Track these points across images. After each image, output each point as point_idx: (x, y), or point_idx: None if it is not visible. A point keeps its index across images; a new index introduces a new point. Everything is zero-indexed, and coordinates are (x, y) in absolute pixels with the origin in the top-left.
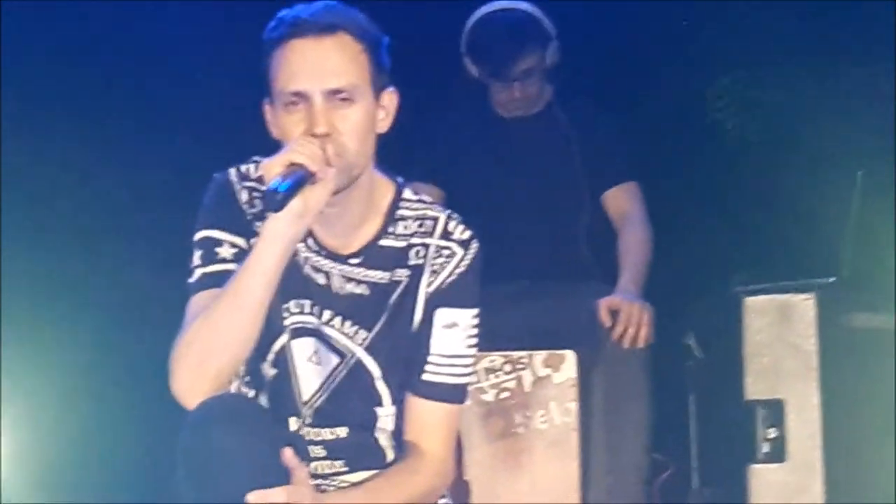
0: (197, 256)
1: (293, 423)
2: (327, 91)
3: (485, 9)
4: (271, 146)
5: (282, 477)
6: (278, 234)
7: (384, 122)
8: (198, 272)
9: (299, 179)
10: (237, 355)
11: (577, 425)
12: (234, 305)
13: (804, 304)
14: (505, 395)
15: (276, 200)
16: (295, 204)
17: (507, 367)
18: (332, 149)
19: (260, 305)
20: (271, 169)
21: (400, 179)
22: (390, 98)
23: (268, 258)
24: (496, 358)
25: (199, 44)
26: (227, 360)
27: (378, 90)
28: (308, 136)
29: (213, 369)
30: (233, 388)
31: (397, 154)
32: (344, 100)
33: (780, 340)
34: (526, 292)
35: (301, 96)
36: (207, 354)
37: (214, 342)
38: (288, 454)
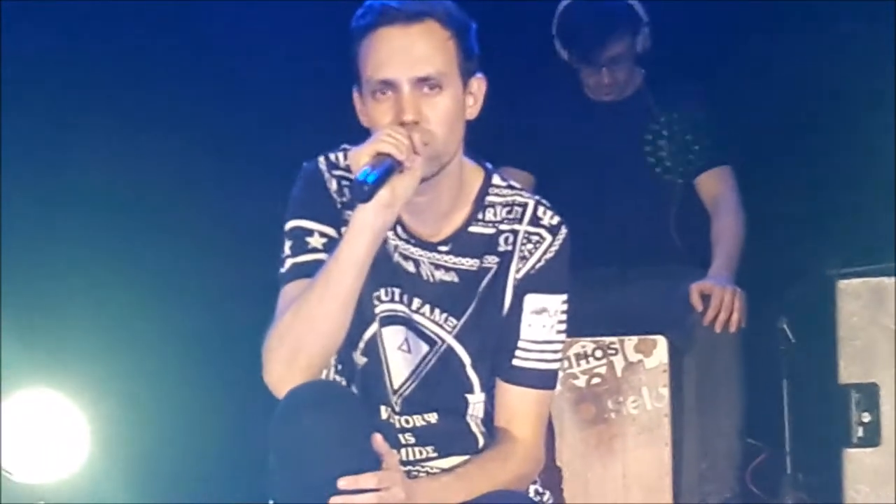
0: (287, 246)
1: (384, 412)
2: (415, 79)
3: None
4: (357, 134)
5: (373, 462)
6: (367, 224)
7: (473, 108)
8: (288, 262)
9: (387, 169)
10: (329, 345)
11: (669, 411)
12: (325, 296)
13: None
14: (596, 380)
15: (363, 191)
16: (383, 193)
17: (599, 353)
18: (420, 137)
19: (351, 295)
20: (359, 159)
21: (489, 165)
22: (479, 84)
23: (357, 248)
24: (587, 343)
25: (278, 32)
26: (318, 350)
27: (466, 77)
28: (395, 126)
29: (305, 360)
30: (324, 377)
31: (487, 139)
32: (432, 87)
33: (874, 324)
34: (617, 277)
35: (389, 84)
36: (299, 345)
37: (306, 333)
38: (378, 440)
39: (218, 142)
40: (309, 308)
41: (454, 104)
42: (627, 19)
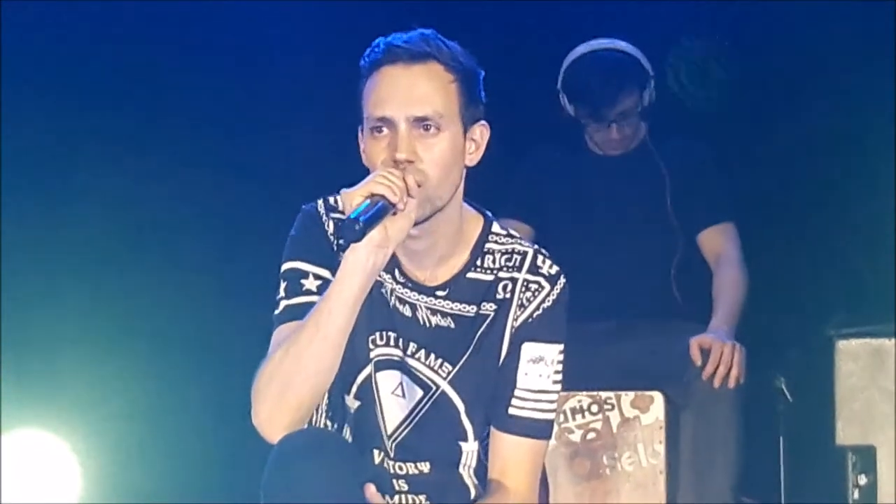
0: (282, 288)
1: (377, 456)
2: (412, 118)
3: (583, 48)
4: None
5: None
6: (359, 265)
7: (474, 155)
8: (282, 304)
9: (379, 210)
10: (318, 386)
11: (665, 467)
12: (315, 336)
13: None
14: (592, 435)
15: (353, 231)
16: (375, 234)
17: (595, 408)
18: (414, 178)
19: (341, 335)
20: (352, 199)
21: (489, 213)
22: (482, 132)
23: (349, 289)
24: (583, 398)
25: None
26: (308, 390)
27: (468, 122)
28: (389, 167)
29: (294, 400)
30: (315, 419)
31: (487, 189)
32: (428, 128)
33: (873, 385)
34: (615, 331)
35: (387, 122)
36: (288, 385)
37: (295, 373)
38: (371, 491)
39: (224, 182)
40: (298, 348)
41: (451, 147)
42: (636, 74)
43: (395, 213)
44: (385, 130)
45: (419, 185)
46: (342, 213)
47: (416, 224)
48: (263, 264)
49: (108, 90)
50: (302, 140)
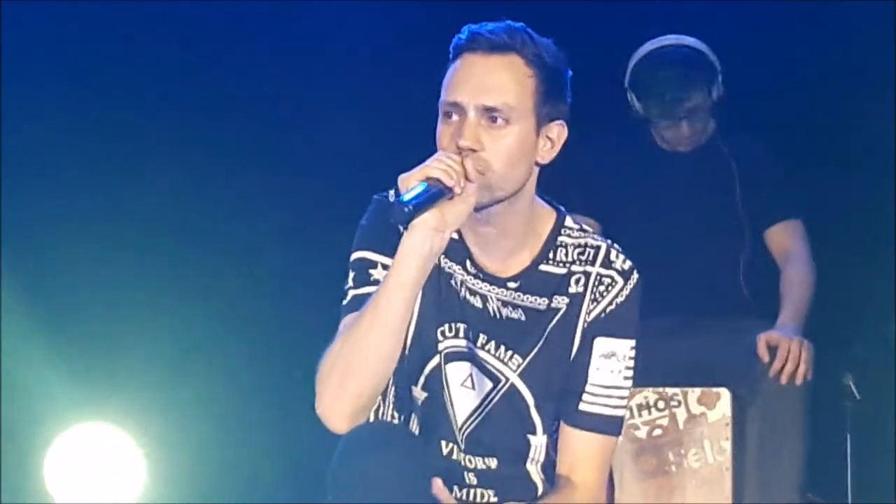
0: (350, 278)
1: (444, 447)
2: (482, 107)
3: (651, 45)
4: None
5: None
6: (415, 249)
7: (547, 152)
8: (350, 294)
9: (433, 194)
10: (379, 374)
11: (731, 465)
12: (374, 322)
13: None
14: (658, 432)
15: (402, 213)
16: (431, 218)
17: (661, 404)
18: (475, 164)
19: (400, 321)
20: (407, 182)
21: (562, 208)
22: (559, 131)
23: (405, 273)
24: (649, 394)
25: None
26: (368, 378)
27: (544, 119)
28: (448, 151)
29: (355, 388)
30: (382, 411)
31: (557, 186)
32: (496, 119)
33: None
34: (682, 327)
35: (457, 108)
36: (349, 373)
37: (355, 360)
38: (438, 485)
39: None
40: (358, 335)
41: (519, 142)
42: (705, 69)
43: (451, 198)
44: (455, 116)
45: (481, 173)
46: None
47: (478, 211)
48: (330, 257)
49: (107, 90)
50: (344, 133)
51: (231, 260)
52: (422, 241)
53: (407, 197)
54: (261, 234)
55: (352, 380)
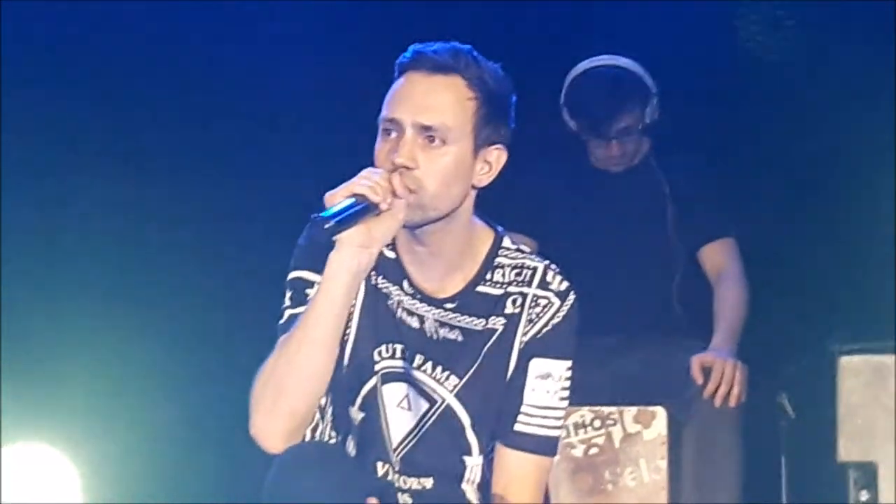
0: (287, 297)
1: (381, 469)
2: (419, 125)
3: (585, 64)
4: None
5: None
6: (343, 266)
7: (484, 176)
8: (286, 313)
9: (356, 210)
10: (312, 392)
11: (667, 483)
12: (304, 340)
13: None
14: (594, 450)
15: (322, 229)
16: (357, 234)
17: (597, 423)
18: (406, 182)
19: (330, 338)
20: (332, 199)
21: (500, 228)
22: (498, 155)
23: (334, 290)
24: (586, 413)
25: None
26: (301, 396)
27: (483, 142)
28: (377, 169)
29: (287, 407)
30: (319, 430)
31: (491, 204)
32: (433, 139)
33: (875, 402)
34: (617, 347)
35: (395, 125)
36: (281, 392)
37: (288, 379)
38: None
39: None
40: (289, 354)
41: (455, 162)
42: (637, 91)
43: (378, 214)
44: (393, 133)
45: (412, 191)
46: None
47: (412, 230)
48: (269, 271)
49: (105, 89)
50: (315, 142)
51: (172, 276)
52: (349, 257)
53: (328, 213)
54: (202, 250)
55: (284, 399)
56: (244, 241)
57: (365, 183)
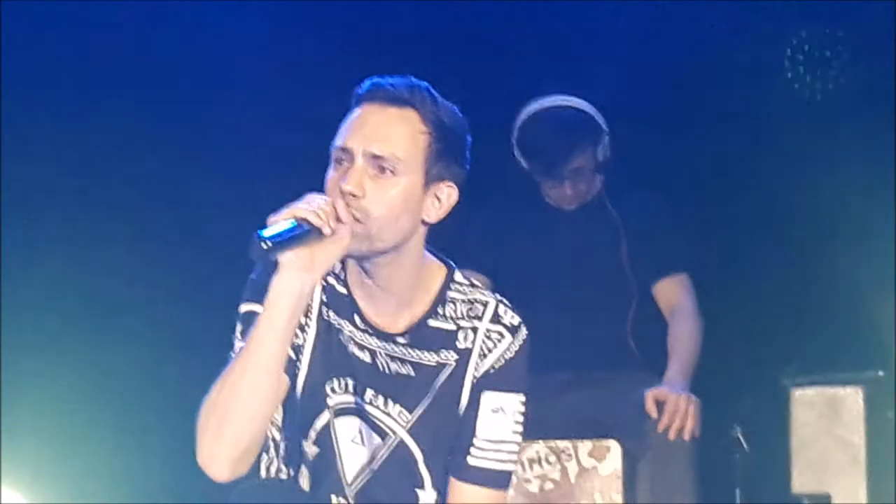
0: (238, 331)
1: (334, 501)
2: (370, 154)
3: (536, 105)
4: None
5: None
6: (285, 290)
7: (434, 211)
8: (237, 345)
9: (297, 234)
10: (256, 419)
11: None
12: (247, 366)
13: (852, 398)
14: (549, 486)
15: (259, 248)
16: (300, 259)
17: (552, 458)
18: (353, 212)
19: (274, 363)
20: (274, 221)
21: (452, 263)
22: (449, 192)
23: (277, 315)
24: (541, 448)
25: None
26: (245, 423)
27: (434, 178)
28: (323, 195)
29: (232, 435)
30: (273, 466)
31: (445, 241)
32: (383, 170)
33: (828, 434)
34: (571, 381)
35: (346, 153)
36: (225, 419)
37: (231, 405)
38: None
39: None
40: (233, 380)
41: (403, 195)
42: (589, 131)
43: (321, 239)
44: (344, 163)
45: (358, 220)
46: None
47: (361, 263)
48: (225, 307)
49: (103, 89)
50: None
51: (122, 297)
52: (291, 281)
53: (267, 233)
54: (155, 265)
55: (229, 426)
56: (210, 271)
57: (306, 207)
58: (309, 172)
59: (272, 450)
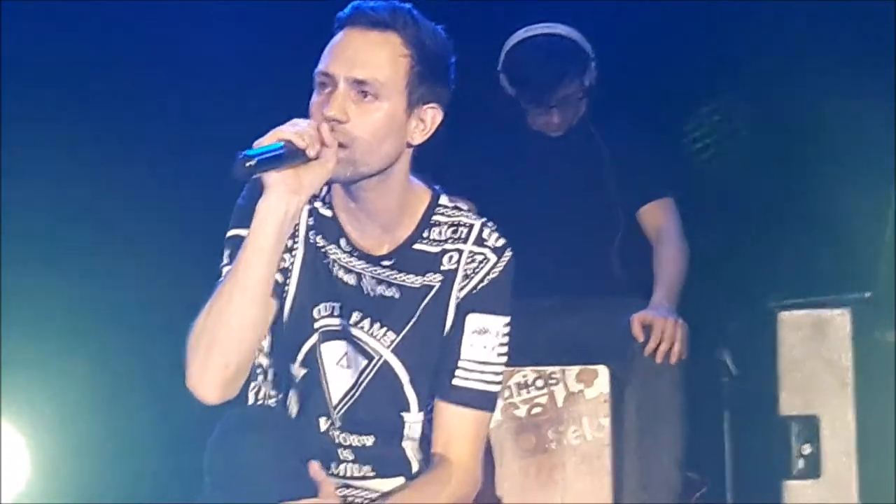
0: (225, 255)
1: (323, 425)
2: (352, 79)
3: (523, 32)
4: None
5: (310, 489)
6: (271, 211)
7: (418, 134)
8: (224, 271)
9: (280, 154)
10: (244, 342)
11: (610, 441)
12: (234, 289)
13: (839, 320)
14: (537, 410)
15: (243, 167)
16: (286, 179)
17: (540, 383)
18: (337, 136)
19: (261, 286)
20: (260, 144)
21: (437, 187)
22: (433, 115)
23: (263, 237)
24: (528, 373)
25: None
26: (233, 346)
27: (417, 100)
28: (309, 119)
29: (220, 358)
30: (262, 391)
31: (430, 167)
32: (366, 94)
33: (815, 356)
34: (558, 307)
35: (329, 79)
36: (213, 342)
37: (219, 330)
38: (315, 468)
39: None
40: (220, 304)
41: (387, 118)
42: (576, 58)
43: (307, 161)
44: (328, 88)
45: (344, 146)
46: None
47: (348, 188)
48: (210, 243)
49: (103, 89)
50: None
51: (130, 256)
52: (277, 202)
53: (252, 152)
54: (140, 225)
55: (217, 350)
56: (204, 230)
57: (291, 129)
58: None
59: (260, 376)
